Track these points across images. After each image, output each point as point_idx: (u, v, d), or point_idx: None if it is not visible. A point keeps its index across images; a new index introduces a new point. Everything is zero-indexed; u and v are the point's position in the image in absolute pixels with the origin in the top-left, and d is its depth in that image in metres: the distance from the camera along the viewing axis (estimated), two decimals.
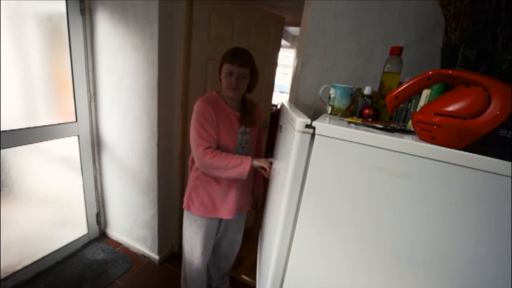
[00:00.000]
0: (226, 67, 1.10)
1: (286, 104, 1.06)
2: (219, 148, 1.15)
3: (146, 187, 1.75)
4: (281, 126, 1.09)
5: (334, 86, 0.80)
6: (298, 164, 0.70)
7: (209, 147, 1.10)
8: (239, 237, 1.47)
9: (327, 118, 0.76)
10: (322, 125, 0.65)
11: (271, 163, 1.08)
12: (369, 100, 0.85)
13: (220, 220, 1.34)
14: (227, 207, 1.24)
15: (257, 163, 1.08)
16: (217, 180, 1.20)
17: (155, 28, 1.41)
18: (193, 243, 1.30)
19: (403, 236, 0.61)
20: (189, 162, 1.29)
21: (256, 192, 1.41)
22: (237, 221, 1.39)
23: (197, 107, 1.13)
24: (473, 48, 0.67)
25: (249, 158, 1.09)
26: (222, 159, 1.08)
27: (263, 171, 1.10)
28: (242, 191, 1.27)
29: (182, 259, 1.41)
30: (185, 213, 1.29)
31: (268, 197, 1.25)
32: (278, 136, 1.18)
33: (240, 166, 1.07)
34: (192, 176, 1.25)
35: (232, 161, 1.08)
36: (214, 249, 1.46)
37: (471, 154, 0.52)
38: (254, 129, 1.25)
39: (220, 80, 1.17)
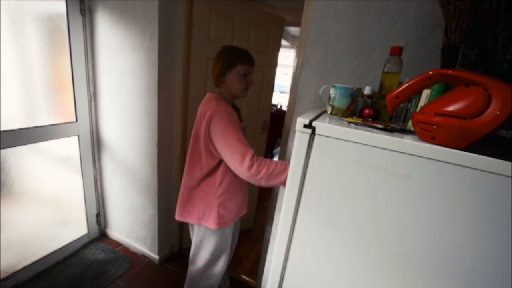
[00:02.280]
0: (243, 69, 1.07)
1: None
2: None
3: (146, 187, 1.75)
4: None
5: (334, 86, 0.80)
6: (297, 164, 0.70)
7: (254, 154, 0.99)
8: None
9: (327, 118, 0.76)
10: (322, 125, 0.65)
11: None
12: (369, 100, 0.85)
13: None
14: (245, 204, 1.26)
15: None
16: (240, 186, 1.18)
17: (155, 28, 1.41)
18: (219, 253, 1.25)
19: (403, 236, 0.61)
20: (192, 183, 1.16)
21: None
22: None
23: (223, 114, 1.02)
24: (473, 48, 0.67)
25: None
26: (267, 167, 0.96)
27: None
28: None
29: (197, 269, 1.29)
30: (209, 231, 1.18)
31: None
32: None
33: (284, 173, 0.96)
34: (214, 193, 1.14)
35: (276, 167, 0.96)
36: None
37: (471, 154, 0.52)
38: None
39: (223, 82, 1.12)
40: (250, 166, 0.96)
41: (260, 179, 0.97)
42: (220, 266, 1.28)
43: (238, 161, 0.98)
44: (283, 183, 0.97)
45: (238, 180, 1.15)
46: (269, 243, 1.45)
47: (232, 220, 1.21)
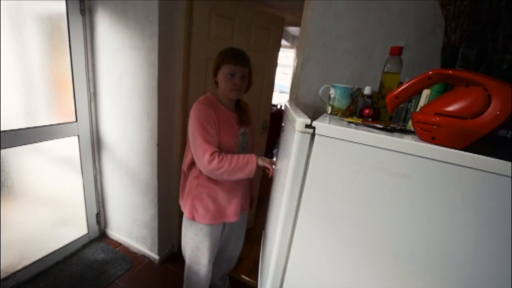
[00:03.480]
0: (227, 68, 1.07)
1: (288, 104, 1.06)
2: (222, 151, 1.11)
3: (146, 187, 1.75)
4: (283, 127, 1.09)
5: (334, 86, 0.80)
6: (298, 164, 0.70)
7: (216, 151, 1.05)
8: (243, 236, 1.47)
9: (327, 118, 0.76)
10: (322, 125, 0.65)
11: (273, 164, 1.07)
12: (369, 100, 0.85)
13: (224, 223, 1.31)
14: (233, 210, 1.22)
15: (261, 162, 1.06)
16: (221, 184, 1.17)
17: (155, 28, 1.41)
18: (200, 252, 1.25)
19: (403, 236, 0.61)
20: (184, 169, 1.23)
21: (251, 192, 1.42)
22: (241, 221, 1.37)
23: (197, 110, 1.07)
24: (473, 48, 0.67)
25: (253, 157, 1.06)
26: (229, 162, 1.03)
27: (266, 171, 1.09)
28: (244, 191, 1.26)
29: (186, 268, 1.34)
30: (188, 221, 1.23)
31: (271, 198, 1.26)
32: (281, 136, 1.17)
33: (246, 167, 1.04)
34: (192, 183, 1.19)
35: (239, 162, 1.04)
36: (218, 253, 1.44)
37: (471, 154, 0.52)
38: (250, 129, 1.25)
39: (216, 82, 1.14)
40: (210, 162, 1.03)
41: (222, 174, 1.04)
42: (204, 270, 1.29)
43: (199, 156, 1.06)
44: (248, 176, 1.06)
45: (220, 182, 1.15)
46: None
47: (209, 219, 1.19)
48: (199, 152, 1.05)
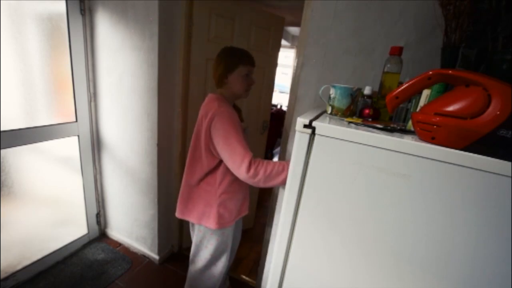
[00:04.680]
0: (246, 69, 1.09)
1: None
2: None
3: (146, 187, 1.75)
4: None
5: (334, 86, 0.80)
6: (297, 164, 0.70)
7: (252, 156, 1.00)
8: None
9: (327, 118, 0.76)
10: (322, 125, 0.65)
11: None
12: (369, 100, 0.85)
13: None
14: (246, 204, 1.26)
15: None
16: (241, 186, 1.18)
17: (155, 28, 1.41)
18: (220, 253, 1.25)
19: (403, 236, 0.61)
20: (191, 181, 1.17)
21: None
22: None
23: (226, 114, 1.03)
24: (473, 48, 0.67)
25: (289, 163, 1.02)
26: (265, 168, 0.97)
27: None
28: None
29: (196, 271, 1.30)
30: (209, 230, 1.19)
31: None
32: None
33: (283, 173, 0.97)
34: (214, 193, 1.15)
35: (274, 168, 0.98)
36: None
37: (471, 154, 0.52)
38: None
39: (225, 83, 1.12)
40: (248, 168, 0.98)
41: (258, 181, 0.99)
42: (220, 266, 1.28)
43: (237, 162, 1.00)
44: (282, 183, 0.99)
45: (239, 180, 1.14)
46: (269, 243, 1.46)
47: (233, 221, 1.21)
48: (238, 158, 0.99)
